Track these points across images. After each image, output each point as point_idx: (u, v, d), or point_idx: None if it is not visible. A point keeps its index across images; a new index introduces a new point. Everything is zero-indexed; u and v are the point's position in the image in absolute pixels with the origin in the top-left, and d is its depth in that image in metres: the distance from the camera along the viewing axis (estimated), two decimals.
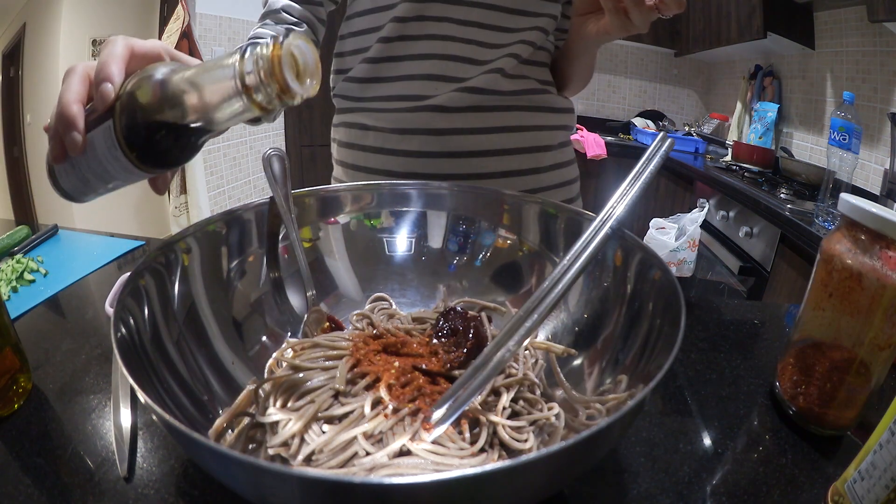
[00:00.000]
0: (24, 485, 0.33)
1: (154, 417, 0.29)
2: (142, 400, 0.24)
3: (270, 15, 0.65)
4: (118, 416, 0.38)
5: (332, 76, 0.70)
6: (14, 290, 0.59)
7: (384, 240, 0.52)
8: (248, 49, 0.28)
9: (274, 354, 0.41)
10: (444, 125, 0.62)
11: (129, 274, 0.33)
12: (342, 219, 0.51)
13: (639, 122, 2.75)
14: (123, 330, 0.29)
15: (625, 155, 2.44)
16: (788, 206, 1.42)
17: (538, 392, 0.37)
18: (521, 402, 0.36)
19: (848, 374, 0.37)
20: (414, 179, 0.52)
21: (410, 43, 0.61)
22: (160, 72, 0.31)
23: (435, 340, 0.40)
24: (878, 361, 0.36)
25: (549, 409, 0.36)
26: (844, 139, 1.31)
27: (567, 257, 0.34)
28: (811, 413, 0.39)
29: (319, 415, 0.32)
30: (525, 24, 0.63)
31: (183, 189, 2.30)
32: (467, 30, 0.61)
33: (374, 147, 0.66)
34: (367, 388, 0.35)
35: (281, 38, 0.28)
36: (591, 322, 0.42)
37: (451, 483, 0.20)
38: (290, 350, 0.40)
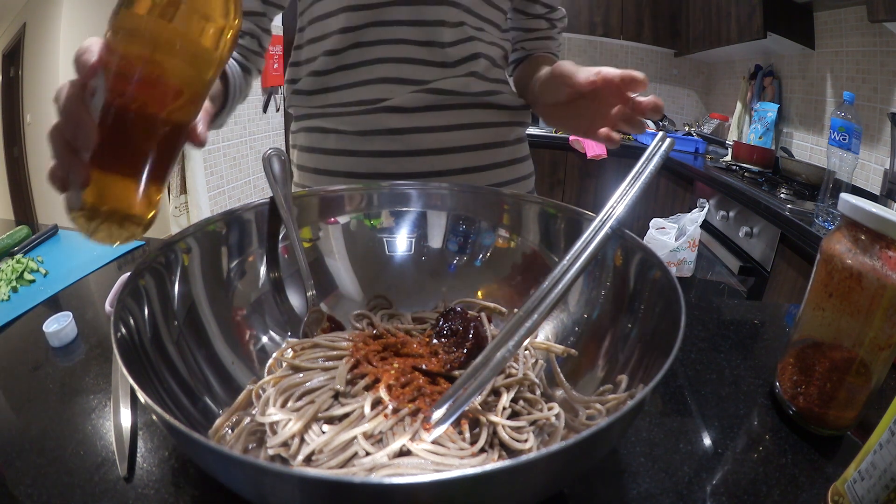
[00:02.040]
0: (24, 485, 0.33)
1: (154, 417, 0.29)
2: (142, 400, 0.24)
3: None
4: (118, 416, 0.38)
5: (285, 85, 0.70)
6: (14, 290, 0.59)
7: (384, 240, 0.52)
8: None
9: (274, 354, 0.41)
10: (404, 125, 0.63)
11: (129, 274, 0.33)
12: (342, 219, 0.51)
13: None
14: (123, 330, 0.29)
15: (625, 155, 2.43)
16: (788, 206, 1.42)
17: (538, 392, 0.37)
18: (521, 402, 0.36)
19: (848, 374, 0.37)
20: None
21: (362, 50, 0.61)
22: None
23: (435, 340, 0.40)
24: (878, 361, 0.36)
25: (549, 409, 0.36)
26: (844, 139, 1.31)
27: (567, 257, 0.34)
28: (811, 413, 0.39)
29: (319, 415, 0.32)
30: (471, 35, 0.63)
31: (183, 189, 2.30)
32: (420, 31, 0.61)
33: (336, 150, 0.66)
34: (367, 388, 0.35)
35: None
36: (591, 322, 0.42)
37: (451, 483, 0.20)
38: (290, 350, 0.40)
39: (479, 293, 0.49)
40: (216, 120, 0.65)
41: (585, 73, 0.52)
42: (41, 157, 1.95)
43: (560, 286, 0.33)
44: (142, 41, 0.28)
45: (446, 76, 0.62)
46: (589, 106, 0.54)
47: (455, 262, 0.51)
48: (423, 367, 0.37)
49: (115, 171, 0.31)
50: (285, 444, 0.31)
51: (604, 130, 0.53)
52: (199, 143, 0.34)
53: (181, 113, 0.31)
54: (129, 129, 0.30)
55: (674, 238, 1.62)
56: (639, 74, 0.47)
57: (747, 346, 0.52)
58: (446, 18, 0.60)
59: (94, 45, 0.29)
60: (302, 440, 0.31)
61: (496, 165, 0.68)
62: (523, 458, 0.20)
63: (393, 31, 0.60)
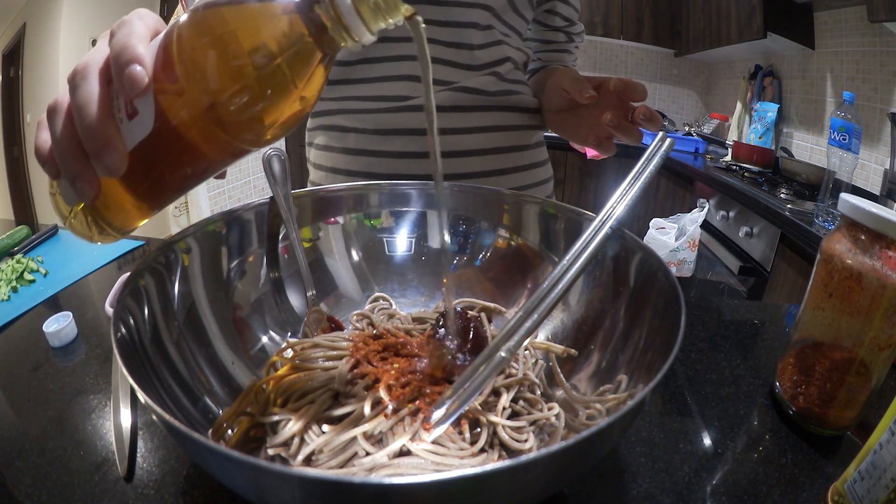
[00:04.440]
0: (24, 485, 0.33)
1: (154, 417, 0.29)
2: (142, 400, 0.24)
3: None
4: (118, 416, 0.38)
5: None
6: (14, 290, 0.59)
7: (384, 240, 0.52)
8: None
9: (274, 354, 0.41)
10: (426, 125, 0.61)
11: (129, 274, 0.33)
12: (342, 219, 0.51)
13: None
14: (123, 330, 0.29)
15: (625, 155, 2.42)
16: (788, 206, 1.42)
17: (538, 392, 0.37)
18: (521, 402, 0.36)
19: (848, 374, 0.37)
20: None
21: (388, 45, 0.60)
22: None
23: None
24: (878, 361, 0.36)
25: (549, 409, 0.36)
26: (844, 139, 1.31)
27: (567, 257, 0.34)
28: (811, 413, 0.39)
29: (319, 415, 0.32)
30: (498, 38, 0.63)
31: None
32: (449, 32, 0.60)
33: (355, 149, 0.65)
34: (367, 388, 0.35)
35: None
36: (592, 322, 0.42)
37: (452, 483, 0.20)
38: (290, 350, 0.40)
39: (479, 293, 0.49)
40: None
41: (583, 86, 0.52)
42: None
43: (560, 286, 0.33)
44: (233, 85, 0.24)
45: (471, 78, 0.62)
46: (590, 114, 0.54)
47: (455, 262, 0.51)
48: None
49: (128, 192, 0.28)
50: (285, 444, 0.31)
51: (593, 138, 0.53)
52: (223, 177, 0.31)
53: (231, 160, 0.28)
54: (162, 166, 0.27)
55: (674, 238, 1.62)
56: (638, 84, 0.47)
57: (747, 346, 0.52)
58: (478, 21, 0.60)
59: (143, 53, 0.24)
60: (302, 440, 0.31)
61: (517, 169, 0.67)
62: (523, 458, 0.20)
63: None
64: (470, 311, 0.43)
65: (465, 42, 0.60)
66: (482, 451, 0.31)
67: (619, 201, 0.36)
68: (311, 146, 0.72)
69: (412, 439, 0.30)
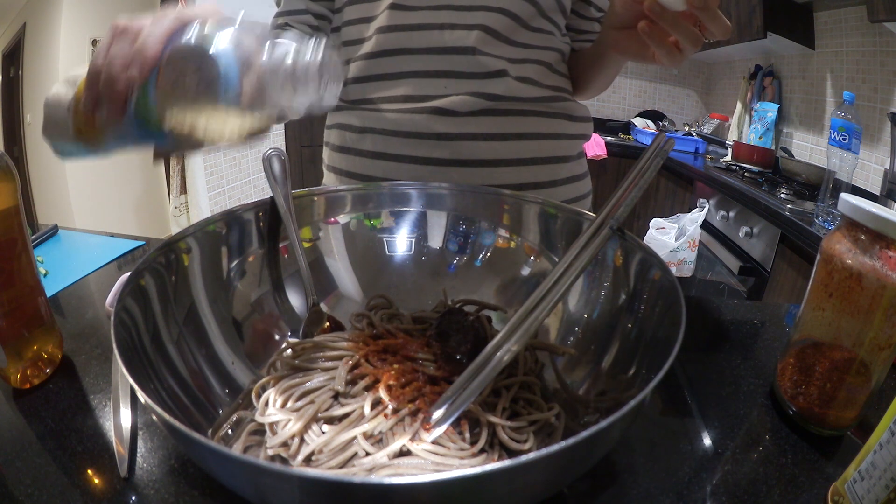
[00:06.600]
0: (24, 485, 0.33)
1: (154, 417, 0.29)
2: (142, 400, 0.24)
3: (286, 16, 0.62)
4: (118, 416, 0.38)
5: None
6: None
7: (384, 240, 0.52)
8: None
9: (274, 354, 0.41)
10: (455, 129, 0.57)
11: (129, 274, 0.33)
12: (342, 219, 0.51)
13: (639, 122, 2.75)
14: (123, 330, 0.29)
15: (625, 155, 2.44)
16: (788, 206, 1.42)
17: (538, 392, 0.37)
18: (521, 402, 0.36)
19: (848, 374, 0.37)
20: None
21: (413, 34, 0.57)
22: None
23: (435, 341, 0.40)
24: (878, 361, 0.36)
25: (549, 409, 0.36)
26: (844, 139, 1.31)
27: (567, 257, 0.34)
28: (811, 413, 0.39)
29: (319, 415, 0.32)
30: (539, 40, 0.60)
31: (183, 189, 2.31)
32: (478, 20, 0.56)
33: (373, 152, 0.60)
34: (367, 388, 0.35)
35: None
36: (591, 322, 0.42)
37: (451, 483, 0.20)
38: (290, 350, 0.40)
39: (479, 293, 0.49)
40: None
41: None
42: (41, 157, 1.95)
43: (560, 286, 0.33)
44: None
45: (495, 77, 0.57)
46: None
47: (455, 262, 0.51)
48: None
49: None
50: (285, 444, 0.31)
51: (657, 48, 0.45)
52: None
53: None
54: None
55: (674, 238, 1.62)
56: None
57: (747, 346, 0.52)
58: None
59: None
60: (302, 440, 0.31)
61: (554, 183, 0.62)
62: (523, 458, 0.20)
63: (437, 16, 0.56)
64: (470, 311, 0.43)
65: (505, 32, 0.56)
66: (482, 451, 0.31)
67: (619, 201, 0.36)
68: (327, 146, 0.68)
69: (412, 439, 0.30)
